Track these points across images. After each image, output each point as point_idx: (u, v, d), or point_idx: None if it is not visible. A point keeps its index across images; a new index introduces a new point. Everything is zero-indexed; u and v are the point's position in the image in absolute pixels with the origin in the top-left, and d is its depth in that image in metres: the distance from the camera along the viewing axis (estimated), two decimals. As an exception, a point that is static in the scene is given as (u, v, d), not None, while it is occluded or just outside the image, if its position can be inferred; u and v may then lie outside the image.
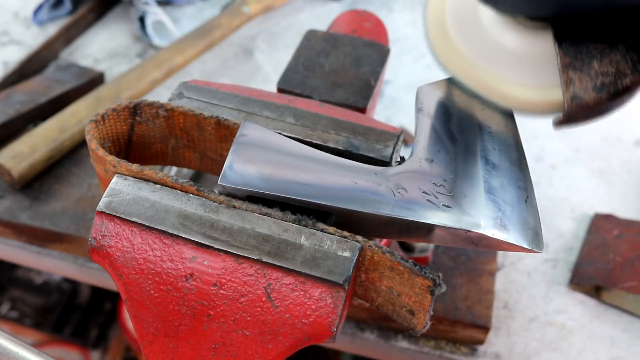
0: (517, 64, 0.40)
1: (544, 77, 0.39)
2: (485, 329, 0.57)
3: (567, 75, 0.36)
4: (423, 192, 0.37)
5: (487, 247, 0.37)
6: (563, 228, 0.69)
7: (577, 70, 0.36)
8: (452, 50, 0.42)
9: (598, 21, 0.37)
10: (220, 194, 0.37)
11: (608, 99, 0.35)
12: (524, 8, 0.37)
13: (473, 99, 0.43)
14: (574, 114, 0.36)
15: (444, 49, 0.43)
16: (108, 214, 0.37)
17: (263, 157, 0.38)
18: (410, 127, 0.78)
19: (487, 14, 0.42)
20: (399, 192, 0.37)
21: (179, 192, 0.37)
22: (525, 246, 0.36)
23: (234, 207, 0.37)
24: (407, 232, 0.38)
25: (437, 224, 0.36)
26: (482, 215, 0.36)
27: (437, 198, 0.37)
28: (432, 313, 0.36)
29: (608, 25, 0.37)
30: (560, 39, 0.37)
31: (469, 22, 0.43)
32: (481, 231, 0.35)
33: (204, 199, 0.37)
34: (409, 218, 0.36)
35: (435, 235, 0.37)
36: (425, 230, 0.37)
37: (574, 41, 0.37)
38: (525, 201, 0.38)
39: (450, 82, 0.44)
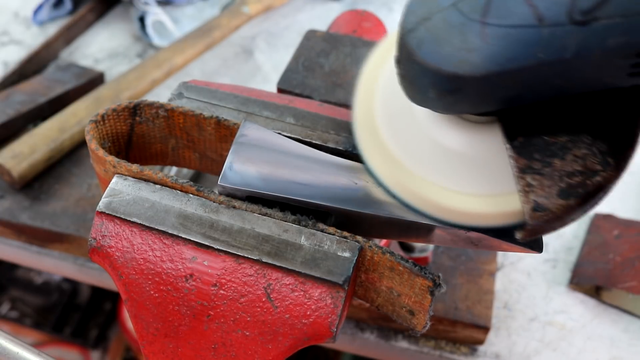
0: (461, 168, 0.34)
1: (496, 182, 0.33)
2: (485, 329, 0.57)
3: (524, 180, 0.30)
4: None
5: (487, 248, 0.37)
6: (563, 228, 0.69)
7: (536, 174, 0.30)
8: (383, 154, 0.35)
9: (554, 110, 0.31)
10: (220, 194, 0.37)
11: (578, 204, 0.29)
12: (460, 108, 0.30)
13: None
14: (538, 227, 0.30)
15: (370, 149, 0.36)
16: (108, 214, 0.37)
17: (263, 157, 0.38)
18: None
19: (422, 108, 0.35)
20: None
21: (179, 192, 0.37)
22: (525, 247, 0.36)
23: (234, 207, 0.37)
24: (407, 232, 0.38)
25: (437, 224, 0.36)
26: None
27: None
28: (432, 313, 0.36)
29: (567, 114, 0.31)
30: (512, 137, 0.31)
31: (402, 119, 0.36)
32: (481, 231, 0.35)
33: (204, 199, 0.37)
34: (409, 218, 0.36)
35: (435, 236, 0.37)
36: (425, 230, 0.37)
37: (528, 137, 0.31)
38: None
39: None
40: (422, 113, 0.35)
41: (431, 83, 0.29)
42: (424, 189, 0.34)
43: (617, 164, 0.30)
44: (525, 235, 0.31)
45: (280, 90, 0.50)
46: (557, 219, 0.30)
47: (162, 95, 0.80)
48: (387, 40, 0.38)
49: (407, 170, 0.34)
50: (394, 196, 0.35)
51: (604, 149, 0.30)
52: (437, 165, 0.34)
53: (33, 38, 0.91)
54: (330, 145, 0.42)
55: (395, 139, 0.35)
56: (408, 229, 0.37)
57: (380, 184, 0.36)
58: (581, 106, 0.31)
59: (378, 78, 0.37)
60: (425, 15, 0.28)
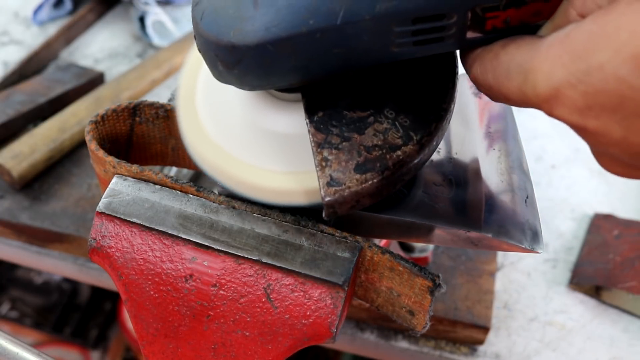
0: (271, 146, 0.34)
1: (299, 160, 0.33)
2: (485, 329, 0.57)
3: (321, 155, 0.29)
4: (423, 192, 0.37)
5: (487, 248, 0.37)
6: (563, 228, 0.69)
7: (333, 148, 0.29)
8: (199, 134, 0.35)
9: (356, 85, 0.31)
10: (220, 194, 0.37)
11: (376, 178, 0.29)
12: (249, 81, 0.30)
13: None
14: (335, 202, 0.29)
15: (185, 120, 0.36)
16: (108, 214, 0.37)
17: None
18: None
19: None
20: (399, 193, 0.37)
21: (179, 192, 0.37)
22: (525, 246, 0.36)
23: (234, 207, 0.37)
24: (407, 232, 0.38)
25: (437, 224, 0.36)
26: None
27: (436, 198, 0.37)
28: (432, 313, 0.36)
29: (369, 89, 0.31)
30: (312, 112, 0.30)
31: (219, 99, 0.36)
32: (481, 232, 0.35)
33: (203, 200, 0.37)
34: (409, 219, 0.36)
35: (435, 236, 0.37)
36: (425, 230, 0.37)
37: (328, 112, 0.30)
38: (525, 201, 0.38)
39: None
40: (236, 92, 0.35)
41: (215, 55, 0.29)
42: (233, 168, 0.34)
43: (420, 140, 0.29)
44: (326, 212, 0.30)
45: (280, 90, 0.50)
46: (355, 194, 0.29)
47: (162, 95, 0.80)
48: None
49: (221, 150, 0.34)
50: (211, 177, 0.35)
51: (407, 123, 0.29)
52: (249, 144, 0.34)
53: (33, 38, 0.91)
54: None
55: (213, 119, 0.35)
56: (408, 229, 0.37)
57: (195, 162, 0.36)
58: (385, 78, 0.31)
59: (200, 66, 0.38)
60: None
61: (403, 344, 0.59)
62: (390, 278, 0.36)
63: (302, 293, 0.34)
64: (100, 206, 0.37)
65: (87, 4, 0.95)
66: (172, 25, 0.90)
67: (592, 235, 0.67)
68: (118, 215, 0.36)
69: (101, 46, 0.91)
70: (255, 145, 0.34)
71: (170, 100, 0.44)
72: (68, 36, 0.90)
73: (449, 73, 0.32)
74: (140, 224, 0.36)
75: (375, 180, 0.29)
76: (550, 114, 0.25)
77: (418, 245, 0.57)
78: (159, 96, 0.80)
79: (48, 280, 1.24)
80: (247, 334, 0.35)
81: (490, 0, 0.26)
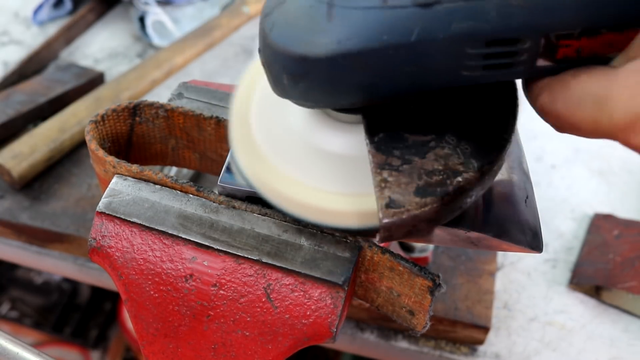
0: (333, 168, 0.33)
1: (357, 181, 0.32)
2: (485, 329, 0.57)
3: (380, 176, 0.29)
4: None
5: (486, 248, 0.37)
6: (563, 228, 0.69)
7: (394, 170, 0.29)
8: (253, 155, 0.34)
9: (419, 108, 0.30)
10: (220, 194, 0.37)
11: (435, 203, 0.28)
12: (315, 97, 0.29)
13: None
14: (393, 225, 0.28)
15: (240, 140, 0.35)
16: (108, 214, 0.37)
17: (263, 157, 0.38)
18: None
19: (294, 107, 0.34)
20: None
21: (179, 192, 0.37)
22: (525, 247, 0.36)
23: (234, 207, 0.37)
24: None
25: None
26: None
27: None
28: (432, 313, 0.36)
29: (432, 113, 0.30)
30: (373, 133, 0.30)
31: (275, 118, 0.35)
32: (481, 232, 0.35)
33: (203, 200, 0.37)
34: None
35: (434, 236, 0.37)
36: (425, 231, 0.37)
37: (389, 134, 0.30)
38: (525, 201, 0.38)
39: None
40: (294, 112, 0.35)
41: (282, 67, 0.28)
42: (288, 188, 0.33)
43: (481, 167, 0.29)
44: (382, 235, 0.29)
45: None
46: (413, 218, 0.28)
47: (162, 95, 0.80)
48: None
49: (273, 168, 0.34)
50: (261, 196, 0.34)
51: (468, 150, 0.29)
52: (304, 163, 0.33)
53: (33, 38, 0.91)
54: (330, 145, 0.42)
55: (268, 139, 0.35)
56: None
57: (247, 182, 0.35)
58: (447, 105, 0.30)
59: (257, 82, 0.37)
60: (280, 0, 0.28)
61: (403, 344, 0.59)
62: (390, 278, 0.36)
63: (302, 293, 0.34)
64: (100, 206, 0.37)
65: (87, 4, 0.95)
66: (172, 25, 0.90)
67: (592, 235, 0.67)
68: (118, 215, 0.36)
69: (101, 46, 0.91)
70: (309, 165, 0.33)
71: (170, 100, 0.44)
72: (68, 36, 0.90)
73: (510, 103, 0.31)
74: (140, 224, 0.36)
75: (435, 205, 0.28)
76: (626, 142, 0.25)
77: (418, 245, 0.57)
78: (159, 96, 0.80)
79: (48, 280, 1.24)
80: (247, 333, 0.35)
81: (565, 28, 0.26)
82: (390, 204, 0.28)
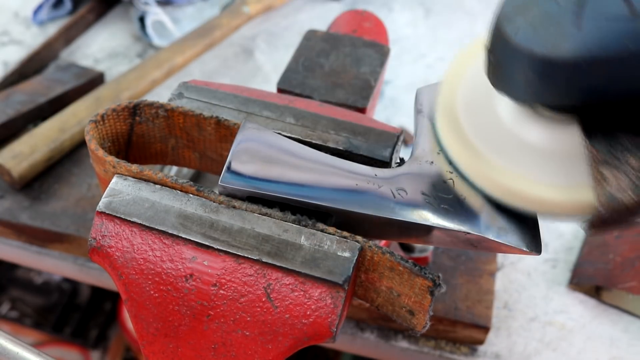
0: (540, 161, 0.35)
1: (571, 175, 0.34)
2: (485, 329, 0.57)
3: (599, 172, 0.31)
4: (423, 193, 0.37)
5: (486, 249, 0.37)
6: (563, 228, 0.69)
7: (611, 167, 0.31)
8: (464, 145, 0.37)
9: (632, 110, 0.32)
10: (221, 194, 0.37)
11: None
12: (546, 97, 0.32)
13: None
14: (610, 217, 0.31)
15: (455, 143, 0.37)
16: (108, 214, 0.37)
17: (263, 157, 0.38)
18: (410, 127, 0.78)
19: (504, 103, 0.37)
20: (399, 194, 0.37)
21: (179, 192, 0.37)
22: (524, 249, 0.36)
23: (234, 207, 0.37)
24: (407, 233, 0.38)
25: (437, 225, 0.36)
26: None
27: (436, 200, 0.37)
28: (431, 313, 0.36)
29: None
30: (590, 132, 0.33)
31: (483, 113, 0.38)
32: (480, 233, 0.35)
33: (203, 199, 0.37)
34: (409, 220, 0.36)
35: (434, 237, 0.37)
36: (425, 231, 0.37)
37: (605, 134, 0.32)
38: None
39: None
40: (504, 110, 0.37)
41: (523, 67, 0.30)
42: (507, 179, 0.35)
43: None
44: (598, 223, 0.32)
45: (281, 90, 0.50)
46: (627, 212, 0.30)
47: (162, 95, 0.80)
48: (468, 46, 0.41)
49: (486, 158, 0.36)
50: (472, 184, 0.37)
51: None
52: (516, 156, 0.36)
53: (33, 38, 0.91)
54: (330, 145, 0.42)
55: (478, 134, 0.37)
56: (408, 230, 0.37)
57: (459, 171, 0.37)
58: None
59: (461, 78, 0.40)
60: (523, 5, 0.30)
61: (403, 343, 0.59)
62: (390, 278, 0.36)
63: (302, 292, 0.34)
64: (101, 206, 0.37)
65: (87, 4, 0.95)
66: (172, 25, 0.90)
67: (592, 236, 0.67)
68: (118, 215, 0.36)
69: (101, 46, 0.91)
70: (524, 159, 0.36)
71: (170, 100, 0.44)
72: (68, 36, 0.90)
73: None
74: (140, 224, 0.36)
75: None
76: None
77: (418, 245, 0.57)
78: (159, 96, 0.80)
79: (48, 280, 1.24)
80: (247, 333, 0.35)
81: None
82: (609, 198, 0.30)
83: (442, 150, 0.38)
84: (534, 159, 0.36)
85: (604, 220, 0.31)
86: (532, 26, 0.30)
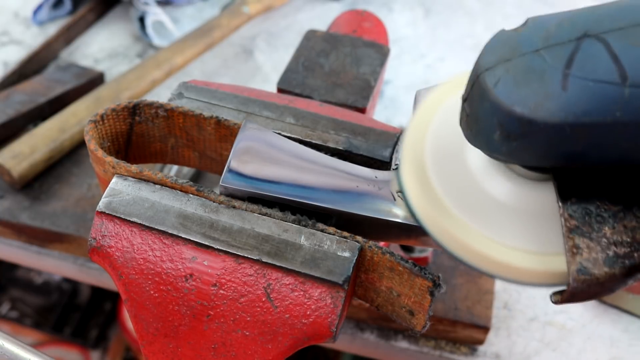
0: (509, 222, 0.33)
1: (543, 240, 0.32)
2: (485, 329, 0.57)
3: (573, 242, 0.29)
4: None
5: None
6: (563, 228, 0.69)
7: (585, 237, 0.29)
8: (428, 197, 0.34)
9: (610, 177, 0.31)
10: (221, 194, 0.37)
11: (622, 275, 0.29)
12: (523, 157, 0.29)
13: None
14: (580, 290, 0.29)
15: (419, 194, 0.34)
16: (108, 214, 0.37)
17: (264, 158, 0.38)
18: (410, 127, 0.78)
19: (475, 153, 0.34)
20: (399, 196, 0.37)
21: (179, 192, 0.37)
22: None
23: (234, 207, 0.37)
24: (407, 235, 0.38)
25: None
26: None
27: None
28: (431, 313, 0.36)
29: (622, 183, 0.30)
30: (565, 196, 0.30)
31: (452, 163, 0.35)
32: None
33: (203, 199, 0.37)
34: (409, 222, 0.36)
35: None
36: (424, 233, 0.37)
37: (581, 199, 0.30)
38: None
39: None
40: (474, 160, 0.34)
41: (500, 124, 0.28)
42: (473, 240, 0.32)
43: None
44: (564, 297, 0.30)
45: (280, 90, 0.50)
46: (599, 285, 0.29)
47: (162, 95, 0.80)
48: (446, 84, 0.38)
49: (450, 213, 0.33)
50: (434, 239, 0.34)
51: None
52: (484, 214, 0.33)
53: (33, 38, 0.91)
54: (330, 145, 0.42)
55: (445, 186, 0.34)
56: (407, 231, 0.37)
57: (419, 222, 0.34)
58: (636, 178, 0.30)
59: (434, 116, 0.37)
60: (506, 57, 0.28)
61: (403, 344, 0.59)
62: (390, 278, 0.36)
63: (302, 292, 0.34)
64: (100, 206, 0.37)
65: (87, 4, 0.95)
66: (172, 25, 0.90)
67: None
68: (118, 215, 0.36)
69: (101, 46, 0.91)
70: (492, 219, 0.33)
71: (170, 100, 0.44)
72: (68, 36, 0.90)
73: None
74: (140, 224, 0.36)
75: (620, 276, 0.29)
76: None
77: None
78: (159, 96, 0.80)
79: (48, 280, 1.24)
80: (247, 333, 0.35)
81: None
82: (581, 270, 0.29)
83: (402, 194, 0.35)
84: (502, 218, 0.33)
85: (574, 294, 0.29)
86: (514, 80, 0.27)
